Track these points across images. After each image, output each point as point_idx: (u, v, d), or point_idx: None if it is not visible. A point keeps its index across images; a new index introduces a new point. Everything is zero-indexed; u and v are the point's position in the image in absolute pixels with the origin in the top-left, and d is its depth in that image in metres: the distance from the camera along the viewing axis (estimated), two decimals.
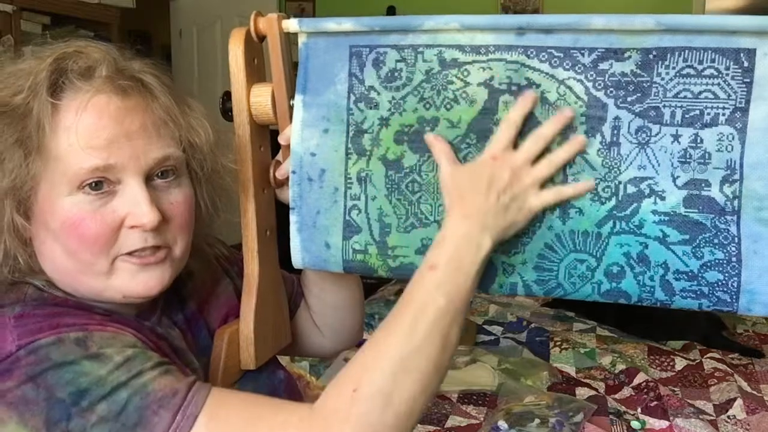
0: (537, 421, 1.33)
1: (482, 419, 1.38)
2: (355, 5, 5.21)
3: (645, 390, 1.63)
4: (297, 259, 0.74)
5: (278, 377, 0.83)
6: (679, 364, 1.83)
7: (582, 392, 1.60)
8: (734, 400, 1.57)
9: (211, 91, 5.30)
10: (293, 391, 0.85)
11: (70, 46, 0.67)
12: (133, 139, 0.64)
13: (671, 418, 1.47)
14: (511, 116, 0.66)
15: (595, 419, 1.39)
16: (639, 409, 1.51)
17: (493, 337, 2.03)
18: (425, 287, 0.62)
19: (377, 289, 2.45)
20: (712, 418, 1.51)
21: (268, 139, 0.77)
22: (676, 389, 1.66)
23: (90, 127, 0.63)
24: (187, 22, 5.30)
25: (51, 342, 0.59)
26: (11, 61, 0.67)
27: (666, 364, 1.83)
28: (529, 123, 0.66)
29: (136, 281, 0.67)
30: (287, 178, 0.73)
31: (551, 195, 0.65)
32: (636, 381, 1.69)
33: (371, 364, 0.59)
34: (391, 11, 5.10)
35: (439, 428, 1.31)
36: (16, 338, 0.60)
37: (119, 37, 3.80)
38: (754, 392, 1.64)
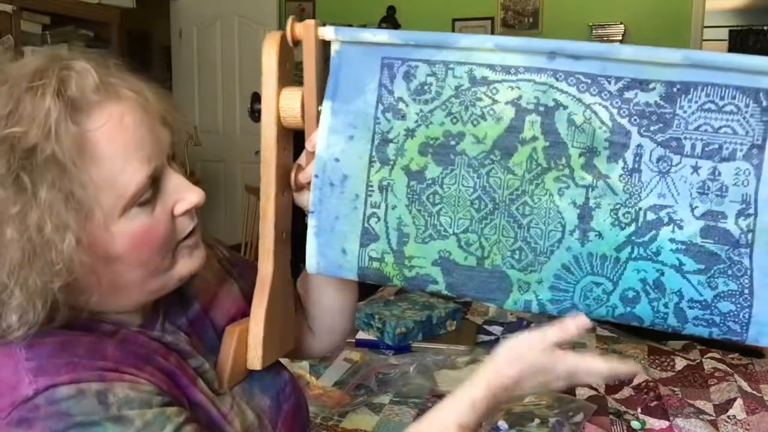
0: (537, 421, 1.33)
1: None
2: (355, 5, 5.21)
3: (645, 390, 1.62)
4: (312, 263, 0.74)
5: (283, 378, 0.83)
6: (679, 364, 1.82)
7: (582, 392, 1.60)
8: (734, 400, 1.57)
9: (211, 91, 5.30)
10: (298, 393, 0.85)
11: (49, 67, 0.61)
12: (155, 133, 0.65)
13: (671, 418, 1.47)
14: (570, 327, 0.69)
15: (595, 419, 1.39)
16: (639, 409, 1.50)
17: (493, 337, 2.02)
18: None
19: (377, 289, 2.45)
20: (712, 418, 1.51)
21: (292, 142, 0.77)
22: (676, 389, 1.66)
23: (118, 146, 0.61)
24: (187, 22, 5.29)
25: (71, 395, 0.57)
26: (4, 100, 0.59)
27: (666, 364, 1.83)
28: (553, 144, 0.67)
29: (193, 260, 0.69)
30: (307, 183, 0.74)
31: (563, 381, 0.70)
32: (636, 381, 1.69)
33: None
34: (391, 11, 5.10)
35: None
36: (32, 379, 0.58)
37: (119, 37, 3.80)
38: (754, 392, 1.63)
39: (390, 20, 5.07)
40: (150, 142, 0.64)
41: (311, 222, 0.73)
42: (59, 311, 0.61)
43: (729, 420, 1.50)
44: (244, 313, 0.80)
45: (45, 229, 0.57)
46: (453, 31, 4.96)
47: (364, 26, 5.23)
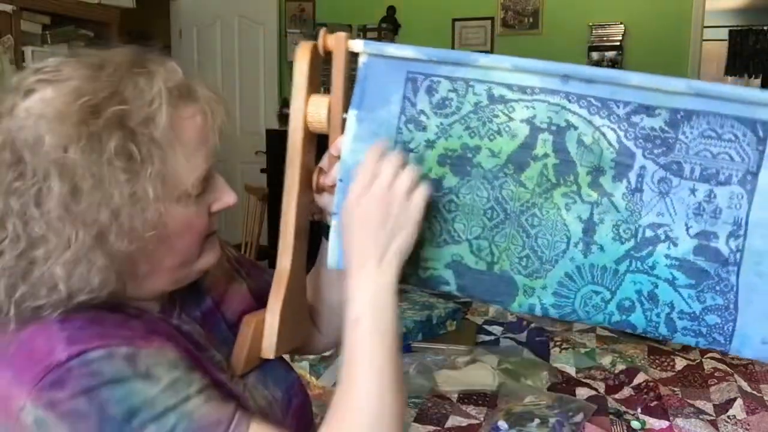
0: (537, 421, 1.33)
1: (482, 419, 1.38)
2: (355, 5, 5.21)
3: (645, 390, 1.63)
4: (333, 260, 0.78)
5: (293, 376, 0.87)
6: (679, 364, 1.83)
7: (582, 392, 1.60)
8: (734, 400, 1.57)
9: None
10: (305, 392, 0.89)
11: (146, 58, 0.70)
12: (214, 136, 0.71)
13: (671, 418, 1.47)
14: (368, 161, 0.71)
15: (595, 419, 1.39)
16: (639, 409, 1.51)
17: (493, 337, 2.02)
18: (361, 341, 0.68)
19: None
20: (712, 418, 1.51)
21: (315, 146, 0.81)
22: (676, 389, 1.66)
23: (192, 137, 0.69)
24: (187, 22, 5.29)
25: (102, 356, 0.61)
26: (130, 77, 0.67)
27: (666, 364, 1.83)
28: (563, 162, 0.72)
29: (213, 254, 0.75)
30: (329, 186, 0.78)
31: (420, 196, 0.70)
32: (636, 381, 1.69)
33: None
34: (391, 11, 5.10)
35: (439, 428, 1.31)
36: (65, 346, 0.61)
37: (119, 37, 3.80)
38: (754, 392, 1.63)
39: (390, 20, 5.08)
40: (211, 142, 0.71)
41: (334, 222, 0.76)
42: (117, 284, 0.66)
43: (729, 420, 1.50)
44: (252, 309, 0.83)
45: (141, 197, 0.64)
46: (453, 31, 4.96)
47: (364, 26, 5.24)
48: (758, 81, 6.63)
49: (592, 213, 0.72)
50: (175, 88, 0.68)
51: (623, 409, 1.49)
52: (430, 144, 0.75)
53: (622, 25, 4.52)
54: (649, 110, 0.70)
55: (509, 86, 0.73)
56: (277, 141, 4.26)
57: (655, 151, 0.70)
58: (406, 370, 1.52)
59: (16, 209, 0.62)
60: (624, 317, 0.73)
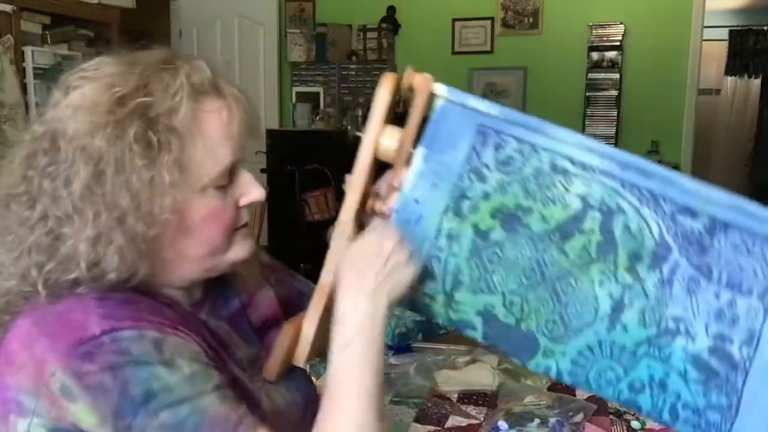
0: (537, 421, 1.33)
1: (482, 419, 1.38)
2: (355, 5, 5.21)
3: None
4: None
5: (312, 388, 0.90)
6: None
7: (582, 392, 1.61)
8: None
9: None
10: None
11: (176, 57, 0.74)
12: (240, 133, 0.75)
13: None
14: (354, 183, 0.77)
15: (595, 419, 1.39)
16: None
17: None
18: (349, 366, 0.71)
19: None
20: None
21: (374, 173, 0.83)
22: None
23: (215, 131, 0.72)
24: (187, 22, 5.29)
25: (132, 336, 0.65)
26: (156, 72, 0.71)
27: None
28: (606, 241, 0.76)
29: (244, 247, 0.78)
30: (380, 212, 0.81)
31: (412, 268, 0.75)
32: None
33: None
34: (391, 11, 5.10)
35: (439, 428, 1.31)
36: (100, 321, 0.65)
37: (119, 37, 3.80)
38: None
39: (390, 20, 5.08)
40: (236, 138, 0.74)
41: None
42: (139, 271, 0.69)
43: None
44: (278, 316, 0.89)
45: (158, 183, 0.67)
46: (453, 31, 4.97)
47: (364, 27, 5.23)
48: (758, 81, 6.64)
49: (623, 294, 0.76)
50: (200, 83, 0.72)
51: (623, 409, 1.49)
52: (486, 196, 0.78)
53: (622, 25, 4.52)
54: (693, 213, 0.75)
55: (572, 160, 0.77)
56: (277, 141, 4.26)
57: (690, 251, 0.75)
58: (407, 370, 1.52)
59: (48, 190, 0.68)
60: (632, 396, 0.76)
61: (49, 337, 0.65)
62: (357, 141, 0.81)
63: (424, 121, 0.79)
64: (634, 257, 0.76)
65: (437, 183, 0.78)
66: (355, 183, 0.79)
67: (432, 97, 0.79)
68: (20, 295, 0.70)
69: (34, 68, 3.29)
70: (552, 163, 0.77)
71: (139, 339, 0.65)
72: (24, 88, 3.27)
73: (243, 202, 0.77)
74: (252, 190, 0.77)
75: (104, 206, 0.67)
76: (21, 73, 3.25)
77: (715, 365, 0.74)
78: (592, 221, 0.76)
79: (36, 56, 3.31)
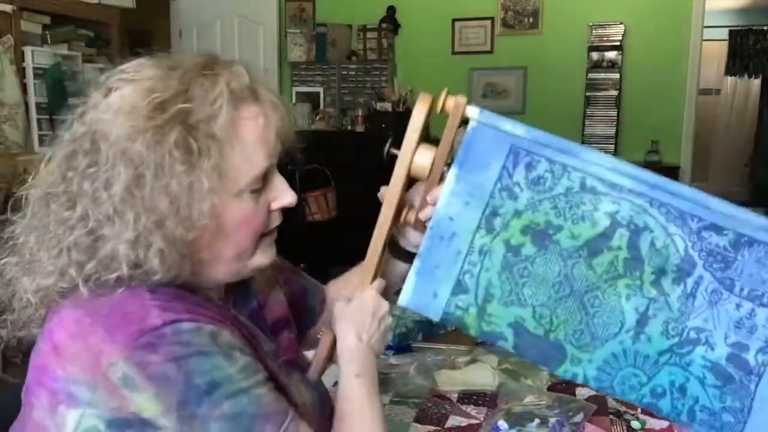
0: (537, 421, 1.33)
1: (482, 419, 1.38)
2: (355, 5, 5.21)
3: None
4: (405, 297, 0.85)
5: (323, 389, 0.94)
6: None
7: (582, 392, 1.60)
8: None
9: None
10: (331, 405, 0.96)
11: (216, 62, 0.75)
12: (275, 138, 0.76)
13: None
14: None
15: (595, 419, 1.39)
16: (639, 409, 1.50)
17: None
18: (361, 394, 0.81)
19: None
20: None
21: (407, 188, 0.89)
22: None
23: (252, 136, 0.73)
24: (187, 22, 5.29)
25: (192, 329, 0.67)
26: (198, 77, 0.72)
27: None
28: (633, 257, 0.80)
29: (268, 254, 0.80)
30: (413, 223, 0.88)
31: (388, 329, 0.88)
32: None
33: None
34: (391, 11, 5.10)
35: (439, 428, 1.31)
36: (159, 312, 0.67)
37: (119, 37, 3.80)
38: None
39: (390, 20, 5.08)
40: (272, 143, 0.76)
41: (416, 263, 0.84)
42: (181, 271, 0.71)
43: None
44: (286, 316, 0.93)
45: (197, 188, 0.69)
46: (453, 31, 4.97)
47: (364, 26, 5.23)
48: (758, 81, 6.64)
49: (648, 307, 0.80)
50: (239, 90, 0.73)
51: (623, 409, 1.49)
52: (517, 213, 0.82)
53: (622, 25, 4.52)
54: (719, 230, 0.79)
55: (602, 180, 0.80)
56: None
57: (715, 266, 0.79)
58: (407, 370, 1.52)
59: (88, 191, 0.69)
60: (654, 401, 0.81)
61: (106, 328, 0.66)
62: (391, 157, 0.86)
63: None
64: (660, 272, 0.80)
65: (470, 201, 0.82)
66: (390, 196, 0.85)
67: (465, 118, 0.83)
68: (56, 292, 0.71)
69: (34, 68, 3.29)
70: (582, 182, 0.80)
71: (197, 331, 0.67)
72: (24, 88, 3.27)
73: (275, 206, 0.79)
74: (284, 195, 0.79)
75: (143, 209, 0.68)
76: (21, 73, 3.25)
77: (732, 371, 0.79)
78: (620, 238, 0.80)
79: (36, 56, 3.31)
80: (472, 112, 0.82)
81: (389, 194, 0.85)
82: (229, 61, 0.76)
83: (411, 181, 0.87)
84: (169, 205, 0.68)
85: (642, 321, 0.81)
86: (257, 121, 0.74)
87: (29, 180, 0.75)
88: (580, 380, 0.83)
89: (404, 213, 0.89)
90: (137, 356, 0.64)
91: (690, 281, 0.79)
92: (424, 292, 0.84)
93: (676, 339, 0.80)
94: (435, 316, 0.84)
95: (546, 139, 0.81)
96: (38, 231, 0.73)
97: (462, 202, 0.82)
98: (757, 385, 0.79)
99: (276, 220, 0.80)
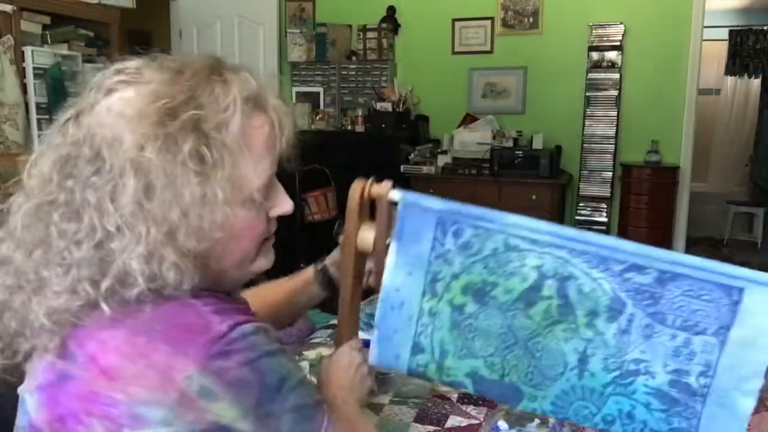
0: (537, 421, 1.33)
1: (482, 419, 1.38)
2: (355, 5, 5.21)
3: None
4: (373, 360, 0.95)
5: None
6: None
7: None
8: None
9: None
10: None
11: (222, 66, 0.73)
12: (279, 145, 0.76)
13: None
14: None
15: None
16: None
17: None
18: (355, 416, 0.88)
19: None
20: None
21: (365, 258, 1.00)
22: None
23: (260, 144, 0.73)
24: (187, 22, 5.29)
25: (253, 330, 0.68)
26: (211, 83, 0.71)
27: None
28: (565, 304, 0.86)
29: (268, 259, 0.81)
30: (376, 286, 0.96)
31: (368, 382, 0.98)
32: None
33: None
34: (391, 11, 5.10)
35: (439, 428, 1.31)
36: (220, 319, 0.67)
37: (119, 37, 3.80)
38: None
39: (390, 20, 5.08)
40: (276, 151, 0.75)
41: (376, 331, 0.93)
42: (197, 281, 0.69)
43: None
44: None
45: (210, 199, 0.67)
46: (453, 31, 4.97)
47: (364, 26, 5.23)
48: (758, 81, 6.64)
49: (586, 347, 0.86)
50: (249, 98, 0.72)
51: None
52: (455, 276, 0.89)
53: (622, 25, 4.52)
54: (640, 269, 0.83)
55: (522, 238, 0.86)
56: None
57: (644, 303, 0.83)
58: None
59: (92, 202, 0.65)
60: (607, 427, 0.88)
61: (170, 343, 0.64)
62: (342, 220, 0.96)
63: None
64: (592, 314, 0.85)
65: (412, 271, 0.90)
66: (344, 269, 0.98)
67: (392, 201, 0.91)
68: (69, 312, 0.66)
69: (34, 68, 3.29)
70: (506, 243, 0.87)
71: (258, 331, 0.68)
72: (24, 88, 3.27)
73: (274, 213, 0.78)
74: (284, 203, 0.79)
75: (153, 221, 0.65)
76: (21, 73, 3.25)
77: (675, 395, 0.84)
78: (549, 288, 0.86)
79: (36, 56, 3.31)
80: (395, 195, 0.90)
81: (343, 267, 0.97)
82: (236, 66, 0.74)
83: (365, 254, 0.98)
84: (180, 216, 0.66)
85: (583, 359, 0.87)
86: (263, 129, 0.73)
87: (9, 188, 0.70)
88: (539, 413, 0.93)
89: (366, 279, 1.02)
90: (213, 366, 0.64)
91: (623, 319, 0.84)
92: (387, 355, 0.94)
93: (617, 372, 0.86)
94: (402, 372, 0.95)
95: (465, 210, 0.88)
96: (38, 246, 0.68)
97: (405, 273, 0.90)
98: (703, 405, 0.84)
99: (273, 227, 0.80)
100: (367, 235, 0.94)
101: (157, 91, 0.67)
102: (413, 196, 0.90)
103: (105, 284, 0.65)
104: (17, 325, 0.69)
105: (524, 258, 0.86)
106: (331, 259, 1.11)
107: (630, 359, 0.85)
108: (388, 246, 0.92)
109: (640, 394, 0.86)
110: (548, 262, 0.86)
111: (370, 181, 0.92)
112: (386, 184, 0.91)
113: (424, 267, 0.90)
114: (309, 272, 1.11)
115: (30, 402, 0.71)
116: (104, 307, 0.65)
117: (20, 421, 0.73)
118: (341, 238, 0.97)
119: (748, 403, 0.83)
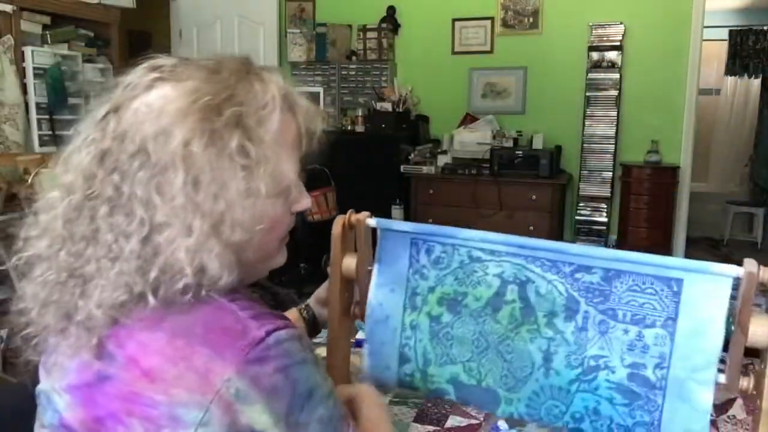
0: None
1: (482, 419, 1.38)
2: (355, 5, 5.21)
3: None
4: (367, 373, 1.03)
5: None
6: None
7: None
8: (734, 400, 1.57)
9: None
10: None
11: (253, 64, 0.77)
12: (305, 145, 0.79)
13: None
14: None
15: None
16: None
17: None
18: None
19: None
20: (712, 417, 1.51)
21: (352, 286, 1.07)
22: None
23: (291, 141, 0.76)
24: (187, 22, 5.30)
25: (289, 336, 0.68)
26: (247, 82, 0.74)
27: None
28: (526, 306, 0.93)
29: (284, 255, 0.82)
30: (361, 315, 1.05)
31: None
32: None
33: None
34: (391, 11, 5.10)
35: (438, 428, 1.31)
36: (257, 324, 0.67)
37: (119, 37, 3.80)
38: (754, 392, 1.63)
39: (390, 20, 5.08)
40: (303, 149, 0.78)
41: (367, 346, 1.03)
42: (238, 274, 0.70)
43: (729, 420, 1.50)
44: None
45: (254, 193, 0.69)
46: (453, 31, 4.97)
47: (364, 26, 5.23)
48: (758, 81, 6.64)
49: (549, 346, 0.92)
50: (286, 96, 0.75)
51: None
52: (431, 289, 0.99)
53: (622, 25, 4.52)
54: (587, 269, 0.90)
55: (483, 250, 0.96)
56: None
57: (595, 300, 0.89)
58: None
59: (140, 195, 0.67)
60: (576, 425, 0.92)
61: (210, 346, 0.65)
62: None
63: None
64: (551, 314, 0.92)
65: (394, 288, 1.01)
66: (332, 299, 1.05)
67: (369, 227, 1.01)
68: (114, 307, 0.67)
69: (34, 68, 3.30)
70: (469, 255, 0.96)
71: (293, 338, 0.69)
72: (24, 88, 3.27)
73: (295, 209, 0.80)
74: (304, 199, 0.80)
75: (201, 214, 0.66)
76: (21, 73, 3.26)
77: (636, 389, 0.88)
78: (512, 293, 0.94)
79: (36, 56, 3.31)
80: (372, 223, 1.01)
81: (331, 297, 1.05)
82: (268, 67, 0.78)
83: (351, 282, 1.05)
84: (225, 208, 0.67)
85: (547, 358, 0.92)
86: (294, 126, 0.76)
87: (35, 180, 0.73)
88: (516, 417, 0.96)
89: (352, 308, 1.09)
90: (250, 370, 0.64)
91: (579, 317, 0.90)
92: (379, 367, 1.02)
93: (580, 369, 0.91)
94: (393, 384, 1.03)
95: (432, 230, 0.99)
96: (83, 241, 0.68)
97: (388, 290, 1.01)
98: (664, 398, 0.87)
99: (292, 222, 0.81)
100: (350, 262, 1.03)
101: (197, 89, 0.69)
102: (387, 222, 1.01)
103: (152, 275, 0.66)
104: (55, 321, 0.70)
105: (486, 267, 0.95)
106: (315, 298, 1.15)
107: (590, 355, 0.90)
108: (370, 272, 1.01)
109: (603, 389, 0.90)
110: (507, 269, 0.94)
111: (349, 212, 1.02)
112: (363, 214, 1.01)
113: (404, 283, 1.00)
114: (293, 313, 1.15)
115: (60, 401, 0.71)
116: (150, 299, 0.66)
117: (48, 419, 0.73)
118: (329, 270, 1.03)
119: (706, 394, 0.86)
